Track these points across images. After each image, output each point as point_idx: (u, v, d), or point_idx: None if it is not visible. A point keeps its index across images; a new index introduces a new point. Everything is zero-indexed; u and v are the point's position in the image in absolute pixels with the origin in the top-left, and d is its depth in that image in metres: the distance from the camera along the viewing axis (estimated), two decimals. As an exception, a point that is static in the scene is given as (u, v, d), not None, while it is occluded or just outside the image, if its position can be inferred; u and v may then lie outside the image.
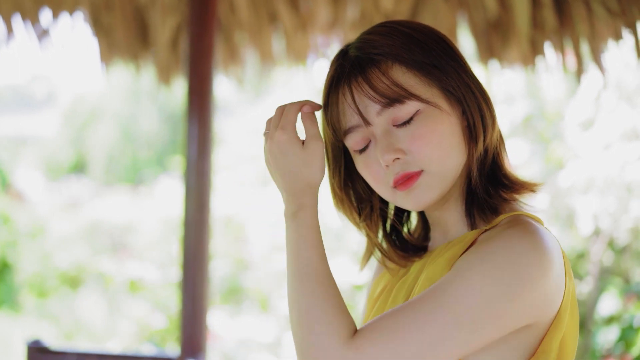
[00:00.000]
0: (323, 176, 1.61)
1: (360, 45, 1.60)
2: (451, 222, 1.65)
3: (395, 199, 1.59)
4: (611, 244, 5.57)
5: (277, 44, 4.10)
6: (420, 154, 1.54)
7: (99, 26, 4.14)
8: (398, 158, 1.54)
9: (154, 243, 8.85)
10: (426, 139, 1.54)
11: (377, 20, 3.72)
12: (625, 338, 5.27)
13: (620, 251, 5.61)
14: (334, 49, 4.07)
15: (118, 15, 4.08)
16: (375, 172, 1.59)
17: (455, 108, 1.58)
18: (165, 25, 4.05)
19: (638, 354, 5.16)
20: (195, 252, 3.30)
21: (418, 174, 1.55)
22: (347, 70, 1.59)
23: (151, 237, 9.08)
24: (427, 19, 3.52)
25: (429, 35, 1.61)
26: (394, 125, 1.56)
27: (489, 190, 1.60)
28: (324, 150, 1.61)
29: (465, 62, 1.62)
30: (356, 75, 1.57)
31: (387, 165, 1.55)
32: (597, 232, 5.51)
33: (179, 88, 4.42)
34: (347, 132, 1.60)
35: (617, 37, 3.17)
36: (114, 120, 15.79)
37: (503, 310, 1.43)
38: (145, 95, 15.55)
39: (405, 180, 1.55)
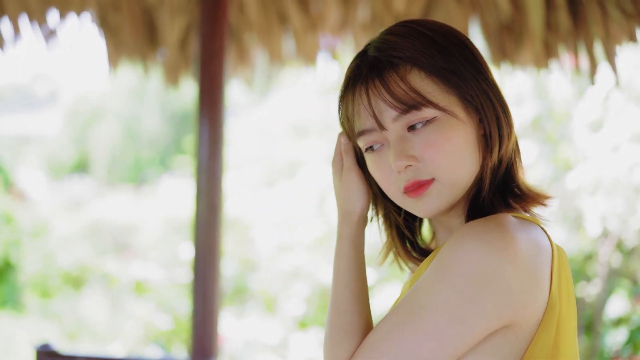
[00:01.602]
0: (362, 206, 1.68)
1: (380, 46, 1.58)
2: (454, 227, 1.64)
3: (405, 204, 1.58)
4: (619, 246, 5.55)
5: (287, 45, 4.08)
6: (432, 162, 1.52)
7: (107, 27, 4.12)
8: (410, 165, 1.53)
9: (157, 243, 8.84)
10: (440, 147, 1.52)
11: (388, 21, 3.70)
12: (634, 340, 5.26)
13: (628, 253, 5.59)
14: (344, 50, 4.05)
15: (126, 16, 4.06)
16: (387, 176, 1.57)
17: (472, 117, 1.55)
18: (174, 25, 4.03)
19: (646, 356, 5.15)
20: (206, 253, 3.29)
21: (429, 182, 1.53)
22: (364, 72, 1.57)
23: (155, 237, 9.06)
24: (439, 20, 3.49)
25: (450, 38, 1.58)
26: (408, 130, 1.54)
27: (496, 200, 1.58)
28: (360, 180, 1.68)
29: (486, 67, 1.59)
30: (373, 78, 1.55)
31: (398, 172, 1.54)
32: (605, 234, 5.49)
33: (186, 88, 4.40)
34: (361, 134, 1.59)
35: (632, 38, 3.15)
36: (116, 120, 15.78)
37: (465, 313, 1.41)
38: (148, 94, 15.55)
39: (416, 188, 1.53)
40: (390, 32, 1.60)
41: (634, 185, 5.23)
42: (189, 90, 4.09)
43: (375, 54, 1.57)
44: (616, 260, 5.61)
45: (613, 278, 5.59)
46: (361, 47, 3.97)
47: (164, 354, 6.06)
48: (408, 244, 1.77)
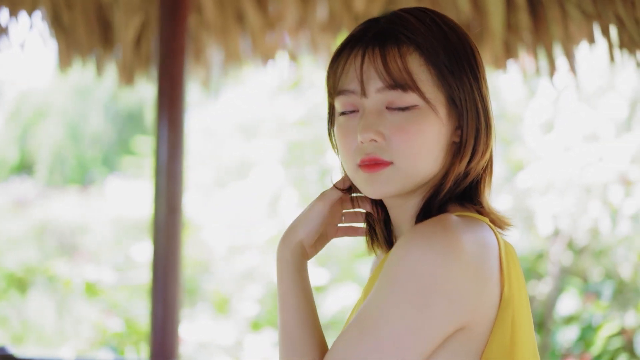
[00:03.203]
0: (304, 235, 1.66)
1: (393, 19, 1.57)
2: (405, 227, 1.63)
3: (356, 178, 1.57)
4: (570, 245, 5.62)
5: (244, 45, 4.05)
6: (397, 147, 1.51)
7: (59, 25, 4.05)
8: (375, 141, 1.52)
9: (106, 245, 8.73)
10: (410, 135, 1.51)
11: (347, 21, 3.70)
12: (585, 337, 5.34)
13: (579, 251, 5.67)
14: (302, 49, 4.03)
15: (79, 14, 4.00)
16: (349, 143, 1.56)
17: (452, 120, 1.55)
18: (129, 24, 3.97)
19: (597, 353, 5.22)
20: (167, 256, 3.24)
21: (386, 164, 1.52)
22: (368, 36, 1.55)
23: (103, 238, 8.95)
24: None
25: (462, 40, 1.58)
26: (387, 108, 1.53)
27: (450, 205, 1.58)
28: (321, 213, 1.67)
29: (484, 80, 1.60)
30: (374, 45, 1.54)
31: (362, 142, 1.53)
32: (556, 233, 5.56)
33: (141, 88, 4.36)
34: (341, 93, 1.58)
35: (591, 40, 3.18)
36: (60, 119, 15.56)
37: (420, 320, 1.40)
38: (93, 93, 15.37)
39: (372, 165, 1.53)
40: (408, 11, 1.59)
41: (585, 185, 5.30)
42: (135, 89, 4.05)
43: (386, 25, 1.56)
44: (567, 258, 5.68)
45: (564, 276, 5.66)
46: (319, 47, 3.96)
47: (117, 357, 5.99)
48: (376, 233, 1.74)
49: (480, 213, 1.59)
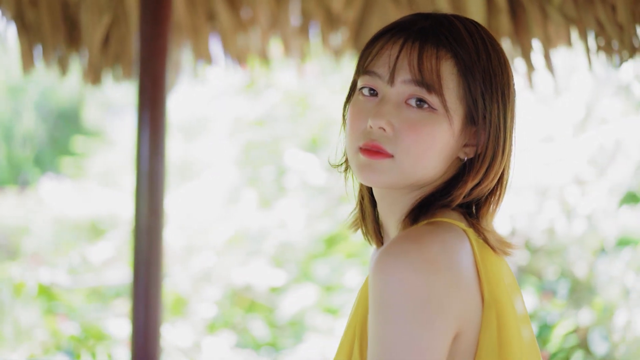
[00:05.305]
0: None
1: (442, 21, 1.58)
2: (390, 222, 1.64)
3: (353, 160, 1.58)
4: (527, 244, 5.71)
5: (215, 45, 4.02)
6: (403, 142, 1.53)
7: (22, 24, 3.97)
8: (384, 130, 1.53)
9: (48, 247, 8.57)
10: (419, 135, 1.53)
11: (324, 23, 3.68)
12: (542, 335, 5.41)
13: (535, 251, 5.75)
14: (275, 51, 4.02)
15: (44, 13, 3.93)
16: (358, 124, 1.57)
17: (463, 136, 1.57)
18: (96, 24, 3.91)
19: (554, 351, 5.31)
20: (148, 258, 3.20)
21: (387, 155, 1.53)
22: (414, 29, 1.57)
23: (44, 240, 8.79)
24: (376, 22, 3.49)
25: (502, 66, 1.60)
26: (405, 102, 1.55)
27: (429, 209, 1.59)
28: None
29: (512, 112, 1.62)
30: (416, 39, 1.55)
31: (370, 127, 1.54)
32: (513, 233, 5.64)
33: (68, 86, 4.28)
34: (368, 73, 1.59)
35: (568, 43, 3.22)
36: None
37: (428, 340, 1.42)
38: (23, 92, 15.09)
39: (373, 152, 1.54)
40: (460, 19, 1.60)
41: (541, 185, 5.39)
42: (69, 87, 4.00)
43: (433, 24, 1.58)
44: (524, 258, 5.76)
45: (521, 275, 5.74)
46: (292, 49, 3.93)
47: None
48: (365, 220, 1.75)
49: (473, 225, 1.59)
